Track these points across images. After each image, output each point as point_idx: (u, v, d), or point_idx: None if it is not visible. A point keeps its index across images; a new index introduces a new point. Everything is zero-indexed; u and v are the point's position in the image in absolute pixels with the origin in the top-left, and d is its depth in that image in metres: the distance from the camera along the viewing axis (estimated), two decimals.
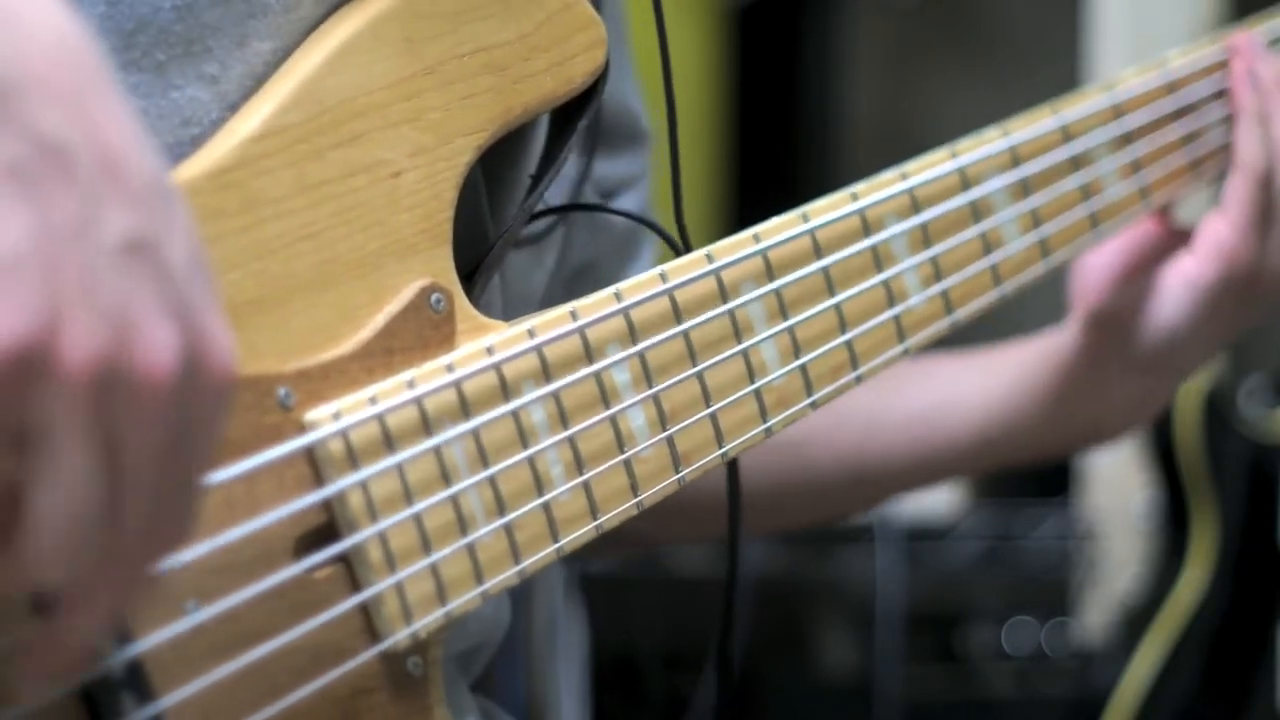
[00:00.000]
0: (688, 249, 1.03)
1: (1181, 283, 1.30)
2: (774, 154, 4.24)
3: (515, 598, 1.14)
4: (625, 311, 0.98)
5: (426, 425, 0.90)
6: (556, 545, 0.95)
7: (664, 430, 0.99)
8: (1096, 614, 3.23)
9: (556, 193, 1.15)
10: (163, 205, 0.71)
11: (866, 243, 1.09)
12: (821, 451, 1.36)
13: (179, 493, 0.72)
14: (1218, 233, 1.29)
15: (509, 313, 1.07)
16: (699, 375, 1.01)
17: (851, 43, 4.27)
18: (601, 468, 0.96)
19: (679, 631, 3.19)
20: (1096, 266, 1.33)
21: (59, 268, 0.67)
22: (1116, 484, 3.22)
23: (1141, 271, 1.32)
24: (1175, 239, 1.33)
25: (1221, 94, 1.32)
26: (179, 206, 0.72)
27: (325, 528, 0.87)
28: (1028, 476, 3.49)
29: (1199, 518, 2.83)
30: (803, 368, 1.05)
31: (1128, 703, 2.79)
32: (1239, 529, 2.82)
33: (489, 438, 0.92)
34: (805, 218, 1.06)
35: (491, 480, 0.92)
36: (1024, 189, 1.19)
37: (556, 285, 1.19)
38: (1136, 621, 2.86)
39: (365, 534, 0.87)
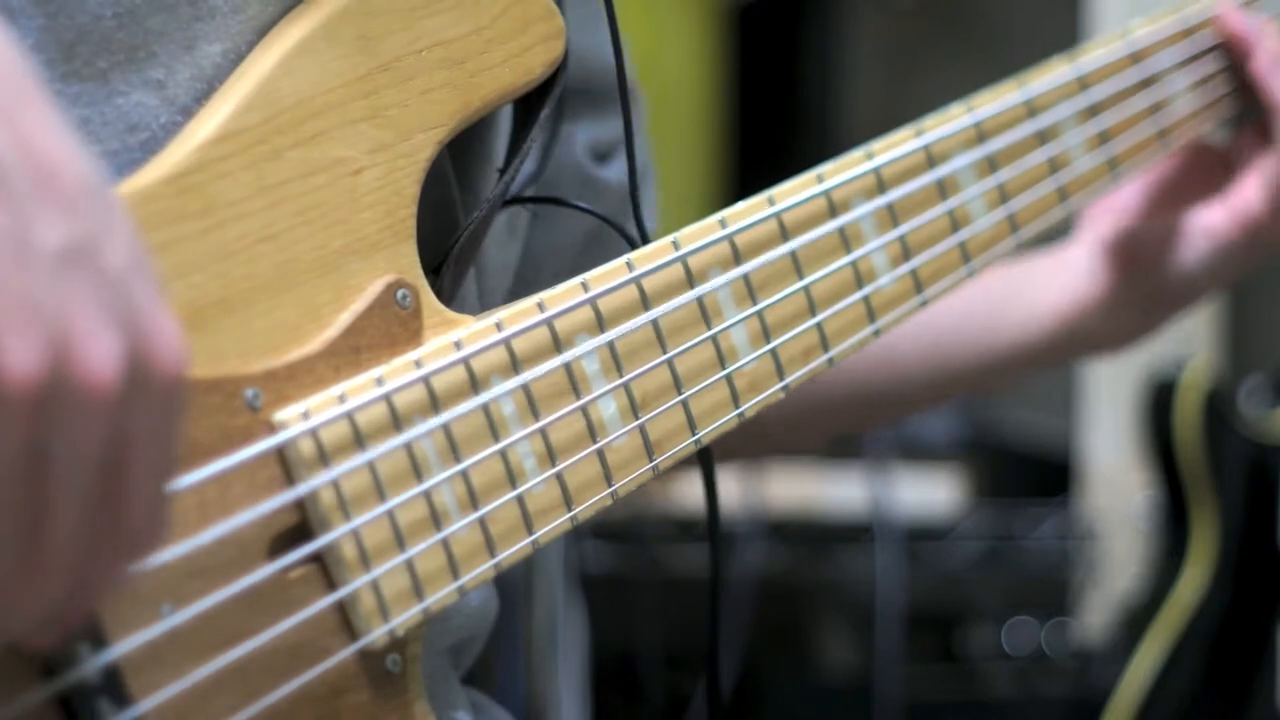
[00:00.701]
0: (646, 243, 1.02)
1: (1205, 235, 1.34)
2: (773, 154, 4.23)
3: (515, 598, 1.14)
4: (593, 301, 0.97)
5: (396, 421, 0.90)
6: (532, 537, 0.95)
7: (636, 419, 0.99)
8: (1096, 614, 3.23)
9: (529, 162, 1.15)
10: (99, 210, 0.70)
11: (833, 224, 1.08)
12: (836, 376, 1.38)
13: (142, 497, 0.72)
14: (1249, 200, 1.32)
15: (484, 285, 1.08)
16: (669, 362, 1.00)
17: (851, 43, 4.27)
18: (574, 458, 0.96)
19: (679, 631, 3.19)
20: (1124, 193, 1.37)
21: None
22: (1116, 484, 3.22)
23: (1168, 204, 1.36)
24: (1208, 164, 1.37)
25: (1187, 62, 1.32)
26: (117, 210, 0.72)
27: (299, 527, 0.87)
28: (1028, 476, 3.49)
29: (1199, 518, 2.82)
30: (773, 351, 1.05)
31: (1128, 703, 2.78)
32: (1239, 529, 2.82)
33: (460, 431, 0.92)
34: (771, 201, 1.06)
35: (464, 474, 0.92)
36: (990, 165, 1.18)
37: (566, 255, 1.19)
38: (1136, 621, 2.85)
39: (338, 532, 0.87)
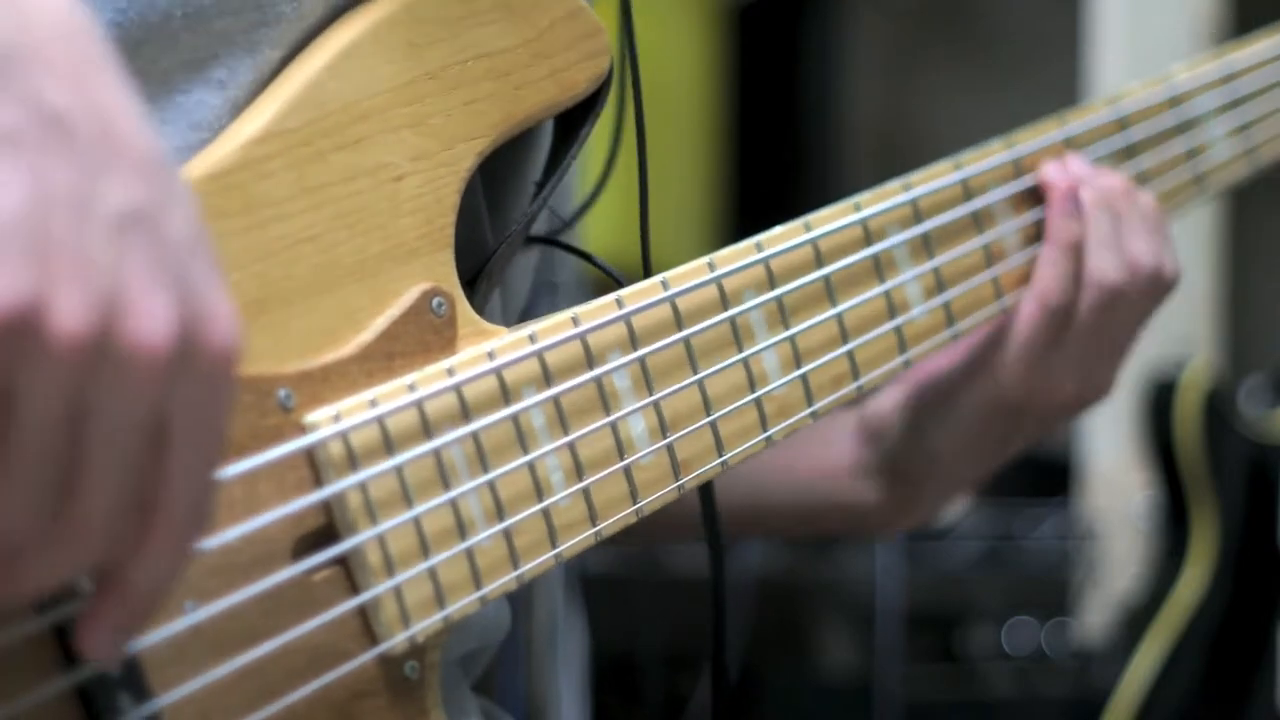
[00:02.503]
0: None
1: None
2: (774, 155, 4.24)
3: (515, 599, 1.13)
4: (627, 318, 0.97)
5: (426, 428, 0.89)
6: (555, 551, 0.94)
7: (664, 438, 0.99)
8: (1096, 614, 3.23)
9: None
10: (162, 179, 0.70)
11: (868, 251, 1.09)
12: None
13: (185, 481, 0.71)
14: (1043, 279, 1.20)
15: (508, 316, 1.07)
16: (699, 383, 1.00)
17: (851, 43, 4.27)
18: (601, 474, 0.96)
19: (679, 631, 3.19)
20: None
21: (54, 236, 0.66)
22: (1116, 484, 3.22)
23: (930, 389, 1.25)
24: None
25: (1228, 107, 1.32)
26: (179, 182, 0.71)
27: (325, 529, 0.86)
28: (1028, 476, 3.49)
29: (1199, 518, 2.83)
30: (804, 377, 1.05)
31: (1128, 703, 2.79)
32: (1239, 529, 2.82)
33: (489, 441, 0.92)
34: (808, 227, 1.06)
35: (491, 485, 0.92)
36: (1025, 201, 1.19)
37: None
38: (1136, 621, 2.86)
39: (364, 536, 0.87)
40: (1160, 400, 2.85)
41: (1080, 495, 3.33)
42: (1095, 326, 1.19)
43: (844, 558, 3.26)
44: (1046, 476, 3.44)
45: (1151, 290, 1.21)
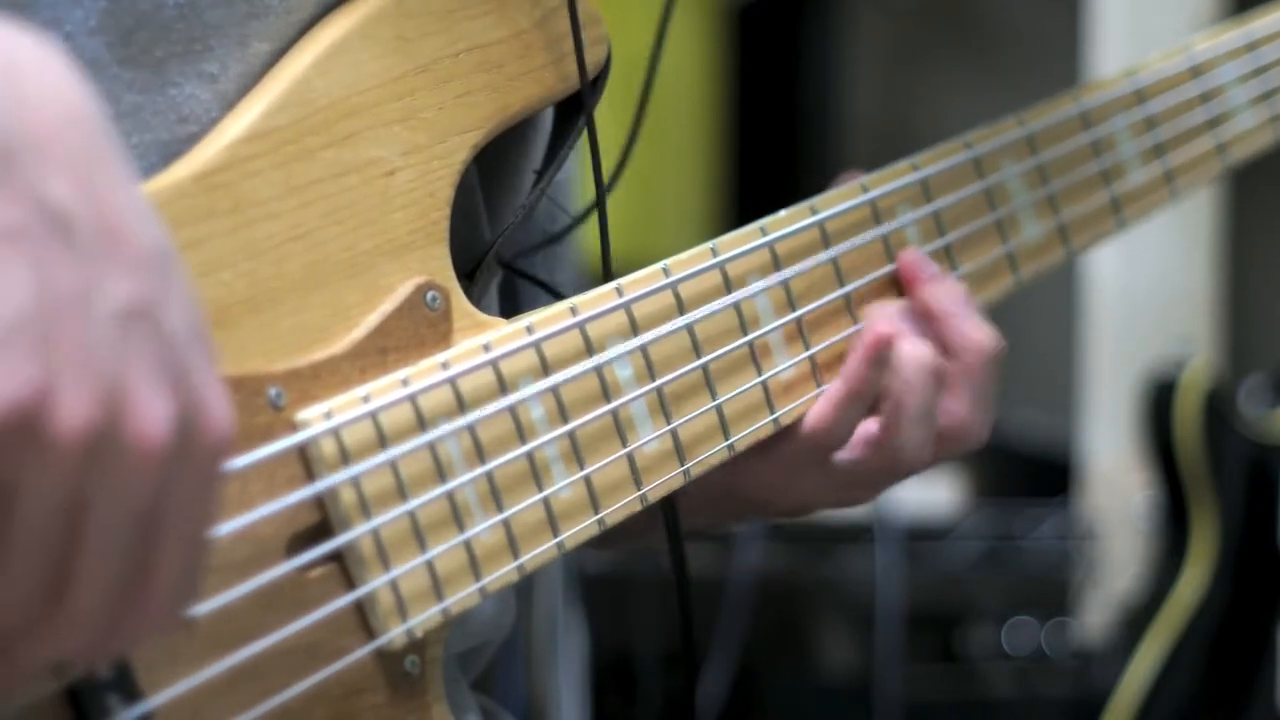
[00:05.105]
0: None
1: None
2: (774, 154, 4.24)
3: (515, 598, 1.13)
4: (627, 306, 0.97)
5: (421, 423, 0.89)
6: (557, 540, 0.94)
7: (668, 423, 0.98)
8: (1096, 614, 3.23)
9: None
10: (163, 272, 0.71)
11: (877, 231, 1.08)
12: None
13: (173, 561, 0.72)
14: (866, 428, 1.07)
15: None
16: (704, 368, 1.00)
17: (851, 43, 4.27)
18: (603, 461, 0.95)
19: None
20: None
21: (56, 334, 0.67)
22: (1116, 484, 3.22)
23: None
24: None
25: (1249, 77, 1.32)
26: (179, 273, 0.72)
27: (318, 526, 0.86)
28: (1028, 476, 3.49)
29: (1199, 518, 2.82)
30: (811, 358, 1.04)
31: (1128, 703, 2.78)
32: (1239, 529, 2.82)
33: (486, 434, 0.91)
34: (814, 209, 1.06)
35: (488, 475, 0.91)
36: (1041, 175, 1.18)
37: None
38: (1136, 621, 2.85)
39: (358, 531, 0.87)
40: (1160, 400, 2.85)
41: (1080, 495, 3.33)
42: (875, 474, 1.07)
43: (844, 557, 3.25)
44: (1046, 476, 3.43)
45: (958, 445, 1.09)
